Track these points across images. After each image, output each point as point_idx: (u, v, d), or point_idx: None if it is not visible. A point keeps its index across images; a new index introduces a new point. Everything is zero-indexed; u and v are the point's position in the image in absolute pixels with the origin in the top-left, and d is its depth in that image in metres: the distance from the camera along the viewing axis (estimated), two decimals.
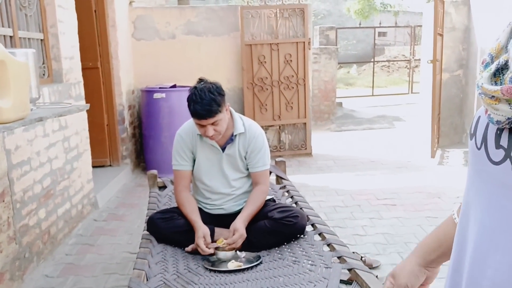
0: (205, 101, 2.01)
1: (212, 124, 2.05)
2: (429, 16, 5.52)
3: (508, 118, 0.57)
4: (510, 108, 0.56)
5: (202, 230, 2.03)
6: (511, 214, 0.59)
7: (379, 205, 3.82)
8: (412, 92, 12.73)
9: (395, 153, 5.76)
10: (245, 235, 2.03)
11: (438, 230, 0.91)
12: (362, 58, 19.62)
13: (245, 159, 2.25)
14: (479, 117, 0.67)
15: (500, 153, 0.60)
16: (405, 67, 16.49)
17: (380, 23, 14.16)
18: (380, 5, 15.28)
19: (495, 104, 0.58)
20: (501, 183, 0.60)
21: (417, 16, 17.71)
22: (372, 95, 12.75)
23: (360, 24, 14.31)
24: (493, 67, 0.59)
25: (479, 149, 0.65)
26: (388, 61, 18.37)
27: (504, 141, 0.60)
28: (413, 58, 13.34)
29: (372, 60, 14.82)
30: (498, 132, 0.61)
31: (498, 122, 0.59)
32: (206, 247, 2.00)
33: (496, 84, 0.59)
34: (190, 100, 2.05)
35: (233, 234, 2.02)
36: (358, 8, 14.72)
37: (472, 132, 0.68)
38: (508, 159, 0.58)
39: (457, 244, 0.72)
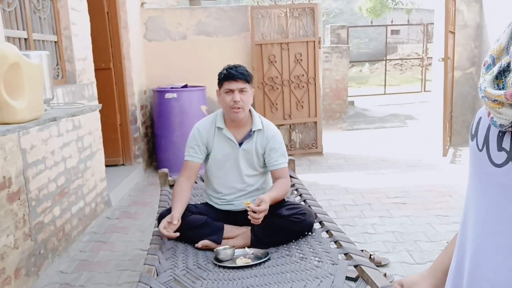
0: (239, 69, 2.21)
1: (240, 91, 2.18)
2: (441, 14, 5.48)
3: None
4: None
5: (174, 215, 2.07)
6: None
7: (389, 204, 3.82)
8: (425, 91, 12.63)
9: (406, 152, 5.74)
10: (267, 209, 2.04)
11: (452, 246, 0.86)
12: (374, 57, 19.51)
13: (263, 158, 2.30)
14: (480, 118, 0.67)
15: (502, 156, 0.60)
16: (418, 65, 16.35)
17: (392, 21, 14.06)
18: (392, 3, 15.15)
19: (499, 108, 0.57)
20: (503, 185, 0.60)
21: (431, 14, 17.53)
22: (385, 94, 12.69)
23: (371, 22, 14.23)
24: (495, 70, 0.59)
25: (480, 150, 0.64)
26: (401, 59, 18.23)
27: (506, 143, 0.59)
28: (425, 56, 13.23)
29: (384, 58, 14.73)
30: (500, 134, 0.61)
31: (501, 125, 0.58)
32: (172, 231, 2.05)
33: (498, 86, 0.58)
34: (224, 68, 2.24)
35: (259, 205, 2.03)
36: (370, 6, 14.64)
37: (473, 133, 0.67)
38: (511, 162, 0.58)
39: (459, 245, 0.72)
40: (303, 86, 5.47)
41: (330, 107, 8.54)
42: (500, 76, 0.58)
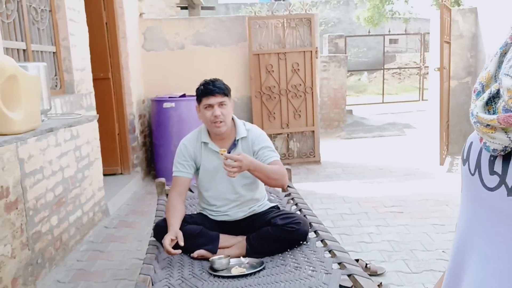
0: (216, 83, 2.22)
1: (220, 105, 2.19)
2: (436, 24, 5.54)
3: (505, 147, 0.57)
4: (507, 137, 0.56)
5: (175, 231, 2.04)
6: (507, 241, 0.58)
7: (386, 213, 3.83)
8: (423, 99, 12.70)
9: (404, 161, 5.76)
10: (244, 164, 2.02)
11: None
12: (373, 65, 19.60)
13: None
14: (472, 142, 0.67)
15: (495, 179, 0.60)
16: (416, 74, 16.44)
17: (389, 31, 14.18)
18: (389, 13, 15.25)
19: (491, 132, 0.58)
20: (496, 209, 0.60)
21: (428, 23, 17.66)
22: (383, 103, 12.75)
23: (369, 31, 14.35)
24: (485, 96, 0.60)
25: (472, 174, 0.65)
26: (399, 68, 18.33)
27: (498, 167, 0.60)
28: (423, 65, 13.31)
29: (382, 67, 14.81)
30: (492, 158, 0.61)
31: (494, 150, 0.59)
32: (174, 248, 1.99)
33: (489, 112, 0.59)
34: (201, 84, 2.24)
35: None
36: (367, 15, 14.73)
37: (465, 157, 0.68)
38: (503, 185, 0.58)
39: (452, 269, 0.71)
40: (301, 96, 5.51)
41: (328, 116, 8.57)
42: (490, 102, 0.60)
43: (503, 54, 0.60)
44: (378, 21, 14.75)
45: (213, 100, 2.18)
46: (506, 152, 0.58)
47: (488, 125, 0.58)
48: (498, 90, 0.59)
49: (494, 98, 0.59)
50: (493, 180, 0.60)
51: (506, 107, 0.56)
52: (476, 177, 0.64)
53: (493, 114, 0.59)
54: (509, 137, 0.56)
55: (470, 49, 5.74)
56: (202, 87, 2.23)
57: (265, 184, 2.31)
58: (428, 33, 10.94)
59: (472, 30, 5.69)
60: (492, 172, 0.61)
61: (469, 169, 0.66)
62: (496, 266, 0.60)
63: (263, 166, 2.15)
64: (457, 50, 5.69)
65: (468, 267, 0.66)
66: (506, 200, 0.58)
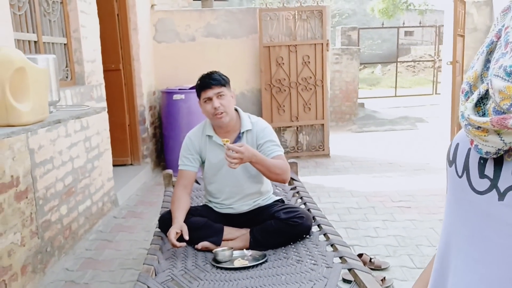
0: (213, 75, 2.22)
1: (218, 96, 2.18)
2: (450, 16, 5.46)
3: (498, 149, 0.56)
4: (501, 140, 0.54)
5: (179, 224, 2.07)
6: (495, 246, 0.58)
7: (394, 207, 3.82)
8: (436, 93, 12.55)
9: (414, 155, 5.72)
10: (245, 155, 2.02)
11: (426, 274, 0.82)
12: (387, 58, 19.40)
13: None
14: (458, 144, 0.66)
15: (485, 183, 0.59)
16: (431, 67, 16.23)
17: (403, 23, 13.99)
18: (404, 4, 15.05)
19: (484, 135, 0.56)
20: (485, 213, 0.59)
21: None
22: (395, 96, 12.64)
23: (383, 24, 14.18)
24: (474, 97, 0.59)
25: (460, 177, 0.64)
26: (413, 61, 18.11)
27: (489, 170, 0.59)
28: (437, 58, 13.14)
29: (396, 60, 14.65)
30: (482, 161, 0.60)
31: (487, 153, 0.57)
32: (178, 240, 2.01)
33: (478, 113, 0.58)
34: (198, 79, 2.25)
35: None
36: (382, 7, 14.57)
37: (451, 159, 0.67)
38: (494, 190, 0.57)
39: (437, 271, 0.71)
40: (311, 88, 5.49)
41: (340, 109, 8.53)
42: (479, 103, 0.58)
43: (489, 52, 0.59)
44: (393, 12, 14.58)
45: (211, 92, 2.18)
46: (499, 155, 0.57)
47: (479, 127, 0.56)
48: (487, 90, 0.57)
49: (482, 99, 0.58)
50: (483, 184, 0.59)
51: (497, 109, 0.55)
52: (463, 180, 0.63)
53: (483, 115, 0.57)
54: (503, 140, 0.54)
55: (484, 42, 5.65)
56: (199, 81, 2.24)
57: (266, 178, 2.30)
58: (443, 25, 10.77)
59: (487, 23, 5.60)
60: (482, 175, 0.60)
61: (456, 171, 0.65)
62: (483, 270, 0.59)
63: (266, 159, 2.15)
64: (471, 43, 5.61)
65: (454, 270, 0.65)
66: (496, 204, 0.57)
